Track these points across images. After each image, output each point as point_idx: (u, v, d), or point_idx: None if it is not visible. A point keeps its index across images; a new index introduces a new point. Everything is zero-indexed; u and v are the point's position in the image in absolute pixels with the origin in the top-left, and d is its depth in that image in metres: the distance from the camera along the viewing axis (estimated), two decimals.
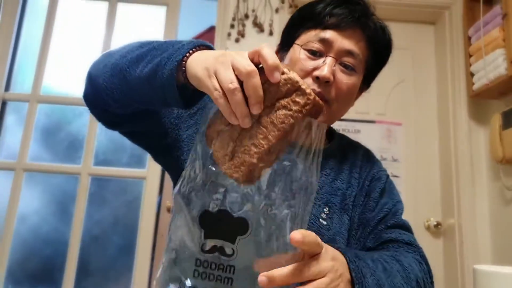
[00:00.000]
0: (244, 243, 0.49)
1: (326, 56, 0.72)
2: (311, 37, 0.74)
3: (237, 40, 1.90)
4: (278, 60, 0.46)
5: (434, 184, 1.96)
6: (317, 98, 0.47)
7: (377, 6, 0.80)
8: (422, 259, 0.70)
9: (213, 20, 1.98)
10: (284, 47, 0.80)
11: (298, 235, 0.44)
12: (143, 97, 0.57)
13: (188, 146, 0.73)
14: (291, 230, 0.47)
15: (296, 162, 0.50)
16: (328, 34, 0.72)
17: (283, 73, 0.47)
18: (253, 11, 1.93)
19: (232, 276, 0.48)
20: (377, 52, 0.78)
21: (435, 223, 1.88)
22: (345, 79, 0.73)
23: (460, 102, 1.91)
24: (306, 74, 0.72)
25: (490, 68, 1.70)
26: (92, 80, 0.64)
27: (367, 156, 0.85)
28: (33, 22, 2.11)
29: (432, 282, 0.70)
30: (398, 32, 2.05)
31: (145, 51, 0.57)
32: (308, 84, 0.53)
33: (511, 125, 1.66)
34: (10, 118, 2.02)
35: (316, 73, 0.70)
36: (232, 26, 1.91)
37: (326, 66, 0.70)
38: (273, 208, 0.50)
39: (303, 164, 0.50)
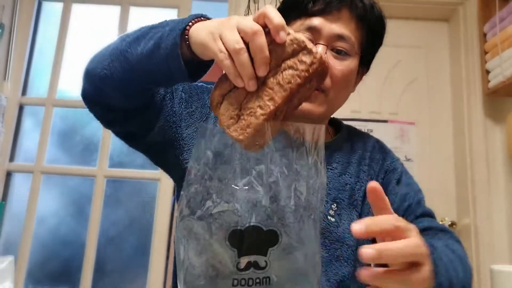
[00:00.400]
0: (275, 253, 0.49)
1: (316, 44, 0.68)
2: (297, 27, 0.70)
3: None
4: (283, 20, 0.46)
5: (448, 183, 1.94)
6: (323, 57, 0.47)
7: (389, 5, 0.79)
8: (460, 244, 0.68)
9: None
10: None
11: (357, 226, 0.40)
12: (147, 75, 0.56)
13: (188, 146, 0.72)
14: (315, 229, 0.49)
15: (305, 164, 0.50)
16: (315, 21, 0.69)
17: (288, 33, 0.46)
18: None
19: (269, 287, 0.49)
20: (370, 31, 0.74)
21: (450, 223, 1.86)
22: (338, 65, 0.69)
23: (475, 100, 1.87)
24: None
25: (506, 65, 1.66)
26: (90, 75, 0.63)
27: (378, 147, 0.81)
28: (48, 28, 2.14)
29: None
30: (410, 30, 2.05)
31: (145, 31, 0.57)
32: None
33: None
34: (27, 122, 2.06)
35: None
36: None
37: None
38: (299, 214, 0.50)
39: (313, 165, 0.50)
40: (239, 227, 0.49)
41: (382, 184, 0.71)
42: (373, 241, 0.70)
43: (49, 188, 1.98)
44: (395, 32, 2.04)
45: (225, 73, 0.48)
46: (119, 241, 1.96)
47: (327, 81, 0.68)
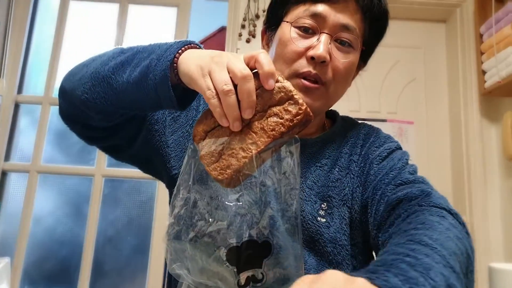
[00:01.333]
0: (268, 263, 0.51)
1: (320, 33, 0.65)
2: (301, 12, 0.67)
3: (248, 41, 1.90)
4: (274, 68, 0.46)
5: (445, 182, 1.96)
6: (308, 109, 0.47)
7: (388, 5, 0.75)
8: (446, 217, 0.52)
9: (224, 20, 1.98)
10: (271, 26, 0.74)
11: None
12: (133, 103, 0.55)
13: (175, 152, 0.69)
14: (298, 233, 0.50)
15: (286, 173, 0.51)
16: (320, 8, 0.65)
17: (277, 81, 0.47)
18: (264, 11, 1.93)
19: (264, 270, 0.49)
20: (373, 24, 0.71)
21: None
22: (342, 58, 0.66)
23: (471, 100, 1.90)
24: (299, 55, 0.66)
25: (502, 66, 1.69)
26: (68, 95, 0.60)
27: (371, 134, 0.74)
28: (44, 25, 2.12)
29: (468, 234, 0.52)
30: (409, 31, 2.07)
31: (130, 56, 0.55)
32: (301, 96, 0.51)
33: None
34: (23, 121, 2.03)
35: (310, 53, 0.64)
36: (243, 26, 1.91)
37: (321, 45, 0.64)
38: (286, 221, 0.51)
39: (291, 172, 0.52)
40: (235, 244, 0.49)
41: (370, 170, 0.66)
42: (365, 236, 0.65)
43: (45, 187, 1.96)
44: (394, 32, 2.06)
45: (209, 110, 0.48)
46: (118, 241, 1.94)
47: (329, 74, 0.66)
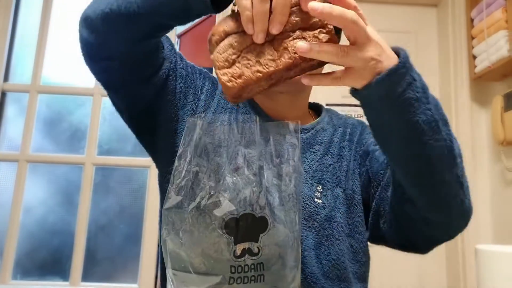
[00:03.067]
0: (265, 239, 0.51)
1: None
2: None
3: None
4: None
5: None
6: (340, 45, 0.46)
7: None
8: None
9: None
10: None
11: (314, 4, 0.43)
12: (159, 7, 0.51)
13: (181, 127, 0.68)
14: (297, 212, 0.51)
15: (286, 150, 0.53)
16: None
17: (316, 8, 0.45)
18: None
19: (263, 272, 0.50)
20: None
21: None
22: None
23: (462, 85, 1.91)
24: None
25: (492, 50, 1.70)
26: (90, 19, 0.57)
27: (358, 124, 0.80)
28: (30, 12, 2.07)
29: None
30: (400, 15, 2.06)
31: None
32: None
33: None
34: (10, 109, 2.00)
35: None
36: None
37: None
38: (284, 199, 0.52)
39: (292, 150, 0.53)
40: (235, 216, 0.50)
41: (363, 153, 0.75)
42: (365, 215, 0.70)
43: (35, 177, 1.94)
44: (385, 17, 2.06)
45: (237, 12, 0.46)
46: (110, 229, 1.94)
47: None
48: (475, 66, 1.83)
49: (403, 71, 0.49)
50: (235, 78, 0.45)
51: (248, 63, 0.45)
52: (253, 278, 0.50)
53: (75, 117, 2.02)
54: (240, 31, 0.46)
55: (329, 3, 0.44)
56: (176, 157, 0.52)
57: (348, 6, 0.45)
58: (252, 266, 0.50)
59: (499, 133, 1.72)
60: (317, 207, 0.67)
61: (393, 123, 0.52)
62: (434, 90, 2.04)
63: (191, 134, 0.52)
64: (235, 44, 0.46)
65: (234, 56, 0.45)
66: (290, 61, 0.45)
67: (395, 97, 0.49)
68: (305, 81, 0.47)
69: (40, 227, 1.92)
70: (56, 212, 1.94)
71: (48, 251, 1.91)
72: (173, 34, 2.00)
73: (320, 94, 1.73)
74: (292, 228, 0.53)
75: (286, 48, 0.45)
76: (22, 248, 1.87)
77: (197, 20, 2.15)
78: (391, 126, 0.52)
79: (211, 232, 0.50)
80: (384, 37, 2.04)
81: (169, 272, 0.53)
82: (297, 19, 0.46)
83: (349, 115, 0.85)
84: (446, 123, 0.55)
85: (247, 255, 0.50)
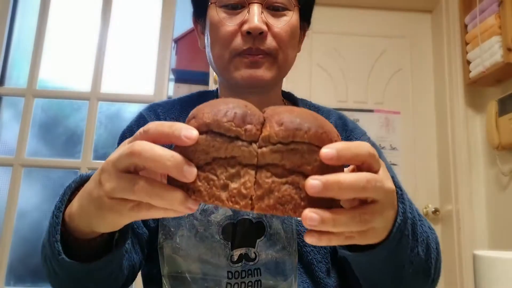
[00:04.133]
0: (261, 244, 0.51)
1: (249, 4, 0.62)
2: None
3: None
4: (176, 125, 0.33)
5: (432, 171, 1.99)
6: None
7: None
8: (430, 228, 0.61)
9: None
10: (199, 14, 0.70)
11: (327, 150, 0.32)
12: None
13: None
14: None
15: None
16: None
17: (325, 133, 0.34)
18: None
19: (260, 278, 0.50)
20: None
21: (433, 209, 1.92)
22: (279, 23, 0.63)
23: (457, 90, 1.93)
24: (234, 33, 0.62)
25: (486, 56, 1.72)
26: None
27: (340, 125, 0.74)
28: (27, 15, 2.07)
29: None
30: (395, 21, 2.08)
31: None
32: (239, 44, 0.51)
33: (507, 111, 1.69)
34: (6, 113, 1.99)
35: (244, 27, 0.61)
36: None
37: (253, 16, 0.60)
38: None
39: None
40: (232, 221, 0.50)
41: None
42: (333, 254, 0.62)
43: (30, 181, 1.92)
44: (380, 22, 2.08)
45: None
46: None
47: (271, 43, 0.62)
48: (470, 71, 1.85)
49: (406, 216, 0.43)
50: (190, 190, 0.33)
51: (212, 180, 0.33)
52: (250, 284, 0.50)
53: (71, 121, 2.01)
54: (227, 135, 0.33)
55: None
56: None
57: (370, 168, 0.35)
58: (249, 272, 0.50)
59: (494, 138, 1.73)
60: (298, 225, 0.60)
61: (384, 268, 0.47)
62: (429, 96, 2.06)
63: None
64: (211, 147, 0.33)
65: (202, 161, 0.33)
66: (270, 211, 0.33)
67: (399, 246, 0.43)
68: (311, 240, 0.34)
69: (34, 233, 1.90)
70: None
71: None
72: (170, 39, 2.01)
73: (314, 98, 1.73)
74: (288, 234, 0.52)
75: (272, 191, 0.33)
76: (16, 253, 1.85)
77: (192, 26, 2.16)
78: (380, 271, 0.48)
79: (208, 238, 0.50)
80: (380, 43, 2.06)
81: (165, 277, 0.52)
82: (301, 159, 0.33)
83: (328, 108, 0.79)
84: (428, 246, 0.51)
85: (244, 261, 0.50)
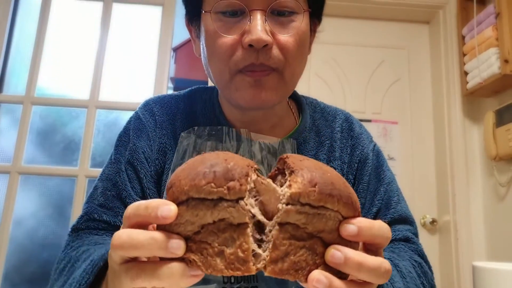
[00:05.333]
0: None
1: (250, 11, 0.52)
2: None
3: None
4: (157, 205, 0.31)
5: (429, 181, 1.99)
6: None
7: (372, 6, 0.72)
8: (421, 257, 0.63)
9: None
10: (192, 18, 0.61)
11: (350, 227, 0.31)
12: None
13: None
14: None
15: None
16: None
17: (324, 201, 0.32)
18: None
19: (257, 284, 0.49)
20: None
21: (431, 220, 1.91)
22: (287, 32, 0.54)
23: (454, 101, 1.93)
24: (234, 46, 0.53)
25: (483, 67, 1.72)
26: None
27: (346, 129, 0.69)
28: (26, 23, 2.07)
29: (432, 279, 0.62)
30: (393, 32, 2.09)
31: None
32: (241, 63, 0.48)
33: (504, 122, 1.69)
34: (3, 120, 1.99)
35: (245, 39, 0.52)
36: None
37: (256, 26, 0.51)
38: None
39: None
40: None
41: (355, 178, 0.66)
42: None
43: (27, 189, 1.91)
44: (379, 33, 2.09)
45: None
46: None
47: (277, 56, 0.53)
48: (467, 82, 1.86)
49: None
50: (186, 261, 0.31)
51: (205, 249, 0.30)
52: None
53: (68, 129, 2.01)
54: (209, 199, 0.30)
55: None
56: (170, 172, 0.51)
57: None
58: (245, 278, 0.49)
59: (492, 149, 1.73)
60: None
61: None
62: (427, 106, 2.06)
63: (184, 149, 0.52)
64: (195, 217, 0.30)
65: (189, 231, 0.31)
66: (281, 275, 0.30)
67: None
68: None
69: (30, 240, 1.89)
70: (47, 225, 1.91)
71: (38, 264, 1.87)
72: (168, 47, 2.01)
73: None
74: None
75: (288, 254, 0.30)
76: (11, 261, 1.84)
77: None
78: None
79: None
80: (378, 53, 2.08)
81: None
82: (324, 225, 0.31)
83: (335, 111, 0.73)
84: None
85: None
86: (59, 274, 0.52)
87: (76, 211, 1.85)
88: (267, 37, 0.51)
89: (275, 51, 0.53)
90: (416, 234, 0.67)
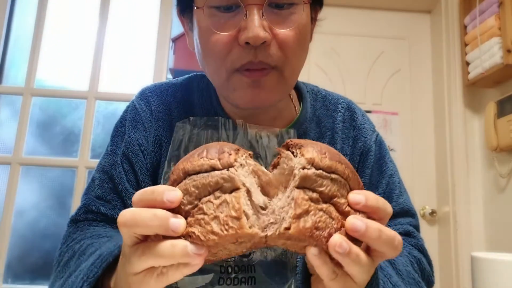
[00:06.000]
0: None
1: (246, 6, 0.48)
2: None
3: None
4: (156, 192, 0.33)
5: (429, 172, 1.99)
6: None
7: None
8: (421, 251, 0.62)
9: None
10: (184, 9, 0.58)
11: (359, 197, 0.33)
12: None
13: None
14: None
15: None
16: None
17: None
18: None
19: (254, 274, 0.49)
20: None
21: (430, 211, 1.92)
22: (286, 26, 0.50)
23: (455, 91, 1.92)
24: (229, 44, 0.50)
25: (485, 57, 1.71)
26: None
27: (348, 119, 0.67)
28: (25, 14, 2.06)
29: (430, 275, 0.62)
30: (394, 21, 2.07)
31: None
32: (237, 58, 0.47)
33: (506, 113, 1.68)
34: (3, 112, 1.99)
35: (242, 37, 0.48)
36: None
37: (253, 22, 0.48)
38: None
39: None
40: None
41: (356, 170, 0.62)
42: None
43: (28, 180, 1.92)
44: (379, 23, 2.07)
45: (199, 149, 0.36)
46: None
47: (276, 53, 0.50)
48: (469, 73, 1.84)
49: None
50: (186, 237, 0.32)
51: (202, 219, 0.32)
52: (243, 279, 0.49)
53: (68, 120, 2.01)
54: (203, 171, 0.33)
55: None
56: (166, 162, 0.51)
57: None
58: (243, 268, 0.49)
59: (492, 140, 1.72)
60: None
61: None
62: (428, 97, 2.05)
63: (179, 139, 0.51)
64: (192, 189, 0.33)
65: (188, 207, 0.32)
66: (304, 235, 0.31)
67: None
68: (318, 259, 0.33)
69: (32, 231, 1.90)
70: (48, 215, 1.92)
71: (40, 255, 1.89)
72: (167, 38, 2.00)
73: None
74: None
75: (308, 213, 0.32)
76: (14, 251, 1.85)
77: None
78: None
79: None
80: (378, 43, 2.05)
81: None
82: (337, 191, 0.33)
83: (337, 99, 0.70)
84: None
85: (237, 256, 0.49)
86: (64, 266, 0.52)
87: (77, 201, 1.86)
88: (265, 34, 0.48)
89: (274, 47, 0.50)
90: (417, 227, 0.67)
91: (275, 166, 0.36)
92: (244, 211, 0.31)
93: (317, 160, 0.33)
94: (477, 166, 1.90)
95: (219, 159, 0.32)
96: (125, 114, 0.67)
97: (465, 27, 1.89)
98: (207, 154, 0.33)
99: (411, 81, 2.06)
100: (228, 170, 0.32)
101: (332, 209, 0.33)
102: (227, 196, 0.32)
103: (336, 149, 0.62)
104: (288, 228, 0.31)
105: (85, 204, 0.61)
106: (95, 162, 1.92)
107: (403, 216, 0.65)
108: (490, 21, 1.68)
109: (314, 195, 0.32)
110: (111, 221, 0.60)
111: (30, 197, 1.92)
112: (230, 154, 0.33)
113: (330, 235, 0.32)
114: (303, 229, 0.31)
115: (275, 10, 0.50)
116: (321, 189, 0.32)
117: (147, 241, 0.33)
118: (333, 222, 0.32)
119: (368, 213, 0.34)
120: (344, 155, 0.63)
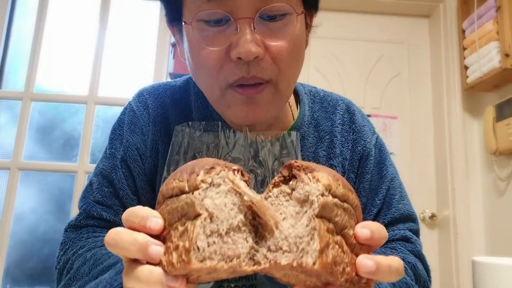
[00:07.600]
0: None
1: (236, 20, 0.46)
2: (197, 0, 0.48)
3: None
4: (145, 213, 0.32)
5: (429, 176, 1.99)
6: None
7: (371, 0, 0.66)
8: (418, 257, 0.61)
9: None
10: (173, 20, 0.55)
11: (366, 232, 0.32)
12: None
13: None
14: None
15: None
16: None
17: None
18: None
19: (255, 282, 0.49)
20: None
21: (430, 214, 1.91)
22: (280, 39, 0.48)
23: (454, 95, 1.93)
24: (220, 60, 0.48)
25: (484, 61, 1.71)
26: None
27: (348, 122, 0.65)
28: (24, 19, 2.07)
29: (426, 281, 0.61)
30: (393, 26, 2.08)
31: None
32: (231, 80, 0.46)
33: (505, 117, 1.68)
34: (3, 117, 1.99)
35: (233, 52, 0.47)
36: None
37: (245, 37, 0.46)
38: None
39: None
40: None
41: (356, 175, 0.63)
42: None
43: (27, 184, 1.92)
44: (378, 27, 2.08)
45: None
46: None
47: (270, 66, 0.49)
48: (467, 77, 1.85)
49: None
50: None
51: (168, 247, 0.30)
52: (244, 287, 0.49)
53: (68, 125, 2.01)
54: (174, 194, 0.31)
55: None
56: (165, 167, 0.50)
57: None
58: (244, 276, 0.49)
59: (491, 143, 1.73)
60: None
61: None
62: (427, 101, 2.06)
63: (179, 143, 0.51)
64: (166, 214, 0.31)
65: (165, 232, 0.31)
66: (325, 270, 0.29)
67: None
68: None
69: (31, 235, 1.90)
70: (48, 220, 1.92)
71: (39, 260, 1.89)
72: (167, 43, 2.01)
73: None
74: None
75: (328, 246, 0.29)
76: (12, 256, 1.85)
77: None
78: None
79: None
80: (377, 48, 2.06)
81: None
82: (347, 222, 0.32)
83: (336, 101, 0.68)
84: None
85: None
86: (75, 273, 0.52)
87: (76, 206, 1.86)
88: (257, 49, 0.46)
89: (268, 61, 0.48)
90: (417, 231, 0.66)
91: (275, 185, 0.32)
92: (196, 243, 0.28)
93: (333, 188, 0.30)
94: (477, 169, 1.91)
95: (187, 181, 0.30)
96: (123, 116, 0.65)
97: (464, 31, 1.89)
98: (180, 175, 0.31)
99: (410, 85, 2.06)
100: (192, 193, 0.29)
101: (343, 242, 0.30)
102: (189, 224, 0.29)
103: (335, 153, 0.62)
104: (314, 263, 0.28)
105: (85, 209, 0.60)
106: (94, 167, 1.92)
107: (403, 221, 0.64)
108: (488, 26, 1.69)
109: (331, 225, 0.30)
110: (115, 226, 0.59)
111: (29, 202, 1.91)
112: (197, 175, 0.30)
113: (343, 270, 0.29)
114: (326, 264, 0.28)
115: (267, 22, 0.48)
116: (336, 219, 0.30)
117: (135, 261, 0.32)
118: (345, 256, 0.30)
119: (371, 244, 0.33)
120: (343, 159, 0.63)
